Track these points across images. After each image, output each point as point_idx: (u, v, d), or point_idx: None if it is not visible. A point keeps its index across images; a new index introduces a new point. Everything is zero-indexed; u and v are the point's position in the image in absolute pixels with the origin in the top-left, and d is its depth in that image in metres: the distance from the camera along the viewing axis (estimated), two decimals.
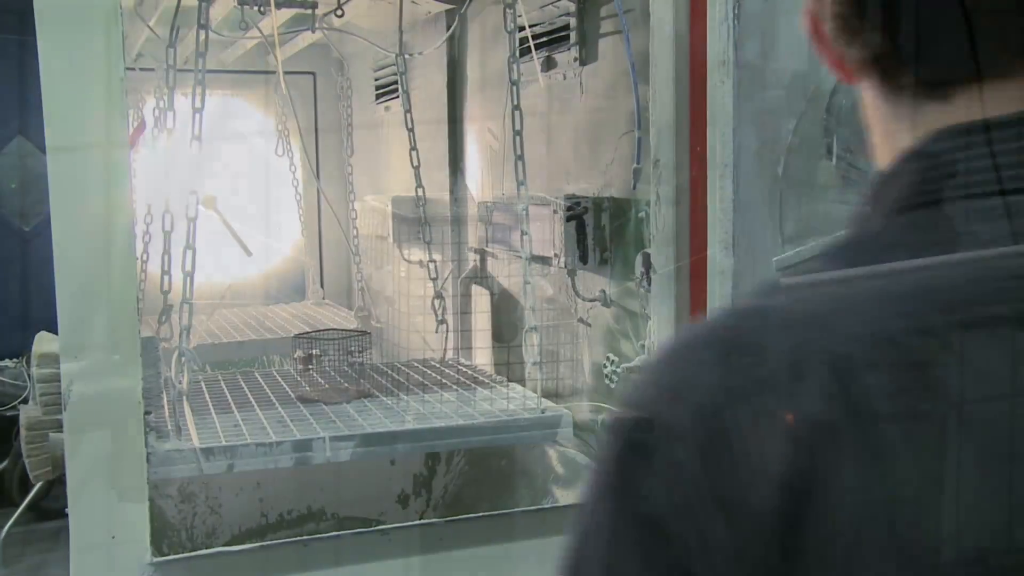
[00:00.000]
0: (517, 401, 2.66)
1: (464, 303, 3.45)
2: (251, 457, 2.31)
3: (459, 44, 3.53)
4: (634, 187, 2.40)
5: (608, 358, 2.60)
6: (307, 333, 3.02)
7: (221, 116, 4.54)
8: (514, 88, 2.50)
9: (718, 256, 2.02)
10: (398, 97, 3.43)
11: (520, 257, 2.54)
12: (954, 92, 0.59)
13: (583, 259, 2.57)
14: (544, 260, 2.67)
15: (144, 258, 3.05)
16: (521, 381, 2.79)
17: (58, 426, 1.99)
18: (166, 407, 2.35)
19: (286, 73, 2.98)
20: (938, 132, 0.59)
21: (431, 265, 3.34)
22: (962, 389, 0.53)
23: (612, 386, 2.60)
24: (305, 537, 2.14)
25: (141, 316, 2.17)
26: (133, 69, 3.40)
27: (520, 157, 2.50)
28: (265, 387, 2.88)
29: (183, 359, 2.30)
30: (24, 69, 4.62)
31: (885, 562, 0.51)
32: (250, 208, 4.59)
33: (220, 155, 4.45)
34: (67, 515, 1.85)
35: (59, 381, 1.84)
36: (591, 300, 2.65)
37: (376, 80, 4.21)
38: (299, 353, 2.84)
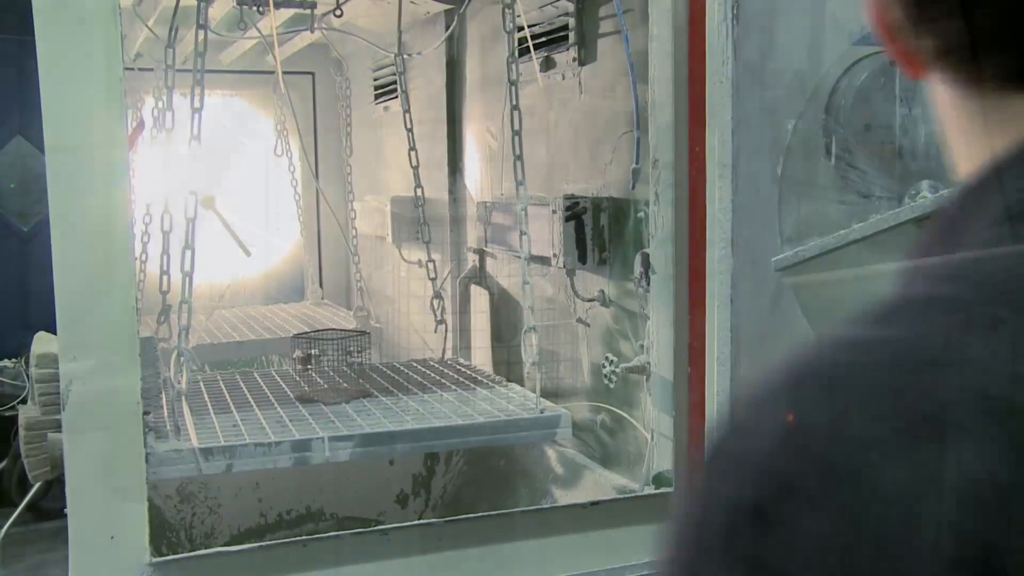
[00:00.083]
0: (516, 401, 2.66)
1: (463, 303, 3.46)
2: (250, 457, 2.31)
3: (458, 44, 3.53)
4: (633, 187, 2.40)
5: (607, 358, 2.60)
6: (306, 333, 3.01)
7: (220, 116, 4.54)
8: (513, 88, 2.50)
9: (717, 256, 2.02)
10: (397, 97, 3.43)
11: (519, 257, 2.53)
12: None
13: (582, 259, 2.57)
14: (543, 260, 2.67)
15: (143, 258, 3.04)
16: (520, 381, 2.79)
17: (57, 426, 1.99)
18: (165, 407, 2.35)
19: (285, 73, 2.97)
20: None
21: (430, 265, 3.34)
22: None
23: (611, 386, 2.60)
24: (304, 537, 2.14)
25: (140, 316, 2.17)
26: (132, 69, 3.40)
27: (519, 157, 2.50)
28: (264, 387, 2.88)
29: (182, 359, 2.29)
30: (23, 69, 4.61)
31: None
32: (249, 208, 4.59)
33: (219, 155, 4.45)
34: (66, 515, 1.85)
35: (58, 381, 1.83)
36: (590, 300, 2.65)
37: (375, 80, 4.21)
38: (298, 353, 2.84)
